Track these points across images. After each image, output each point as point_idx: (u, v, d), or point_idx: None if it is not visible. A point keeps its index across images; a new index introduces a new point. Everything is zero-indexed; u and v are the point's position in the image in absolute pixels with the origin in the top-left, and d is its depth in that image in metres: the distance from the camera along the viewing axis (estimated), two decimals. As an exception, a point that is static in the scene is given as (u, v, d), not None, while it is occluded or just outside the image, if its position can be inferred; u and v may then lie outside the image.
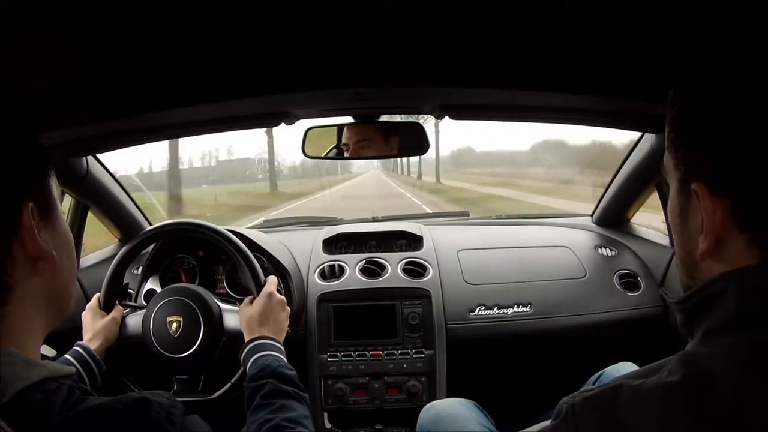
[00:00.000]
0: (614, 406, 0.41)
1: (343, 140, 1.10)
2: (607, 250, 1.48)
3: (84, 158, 1.19)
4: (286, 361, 0.87)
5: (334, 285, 1.34)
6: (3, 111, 0.45)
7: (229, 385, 1.01)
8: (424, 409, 1.06)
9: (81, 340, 1.00)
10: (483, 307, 1.33)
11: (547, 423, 0.47)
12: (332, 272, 1.38)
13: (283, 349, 0.90)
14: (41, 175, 0.47)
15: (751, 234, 0.42)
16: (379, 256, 1.42)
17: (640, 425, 0.39)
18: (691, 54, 0.60)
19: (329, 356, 1.28)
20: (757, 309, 0.40)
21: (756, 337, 0.39)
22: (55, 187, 0.49)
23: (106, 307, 1.06)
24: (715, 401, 0.38)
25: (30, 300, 0.44)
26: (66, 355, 0.95)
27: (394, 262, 1.39)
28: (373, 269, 1.38)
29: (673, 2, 0.54)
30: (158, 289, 1.27)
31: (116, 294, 1.09)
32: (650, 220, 1.58)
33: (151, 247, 1.30)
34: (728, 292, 0.41)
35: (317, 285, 1.35)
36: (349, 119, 1.04)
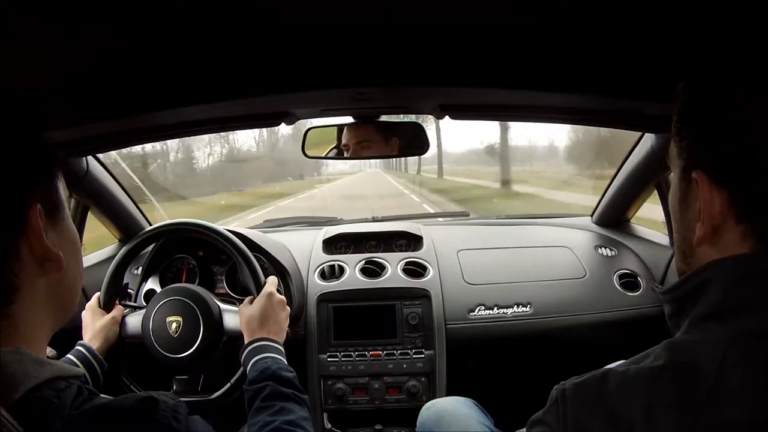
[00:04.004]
0: (603, 389, 0.43)
1: (344, 141, 1.10)
2: (607, 250, 1.48)
3: (84, 158, 1.19)
4: (286, 362, 0.87)
5: (334, 285, 1.34)
6: (10, 111, 0.44)
7: (228, 385, 1.01)
8: (425, 407, 1.06)
9: (80, 339, 1.00)
10: (483, 307, 1.33)
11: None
12: (332, 272, 1.38)
13: (283, 350, 0.91)
14: (48, 177, 0.47)
15: (746, 225, 0.43)
16: (379, 256, 1.42)
17: (626, 407, 0.41)
18: (698, 49, 0.60)
19: (329, 356, 1.28)
20: (742, 298, 0.41)
21: (739, 325, 0.40)
22: (62, 188, 0.49)
23: (106, 306, 1.06)
24: (698, 386, 0.39)
25: (37, 300, 0.45)
26: (68, 355, 0.95)
27: (394, 262, 1.39)
28: (373, 269, 1.38)
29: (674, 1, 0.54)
30: (158, 289, 1.27)
31: (116, 294, 1.09)
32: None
33: (151, 247, 1.30)
34: (714, 281, 0.43)
35: (317, 285, 1.35)
36: (349, 119, 1.04)
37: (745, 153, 0.42)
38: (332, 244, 1.51)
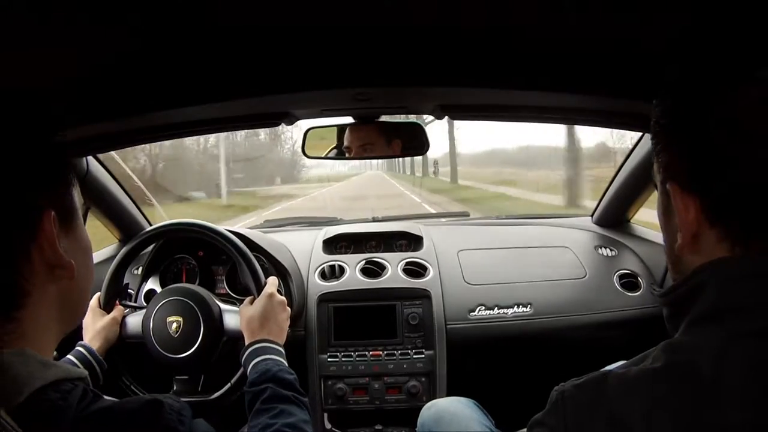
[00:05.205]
0: (602, 391, 0.43)
1: (346, 143, 1.10)
2: (607, 250, 1.48)
3: (84, 158, 1.19)
4: (286, 364, 0.87)
5: (334, 285, 1.34)
6: (28, 115, 0.44)
7: (228, 385, 1.01)
8: (425, 407, 1.06)
9: (80, 339, 1.00)
10: (483, 308, 1.33)
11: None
12: (332, 272, 1.38)
13: (283, 351, 0.90)
14: (64, 183, 0.47)
15: (719, 229, 0.44)
16: (379, 257, 1.42)
17: (625, 409, 0.41)
18: (683, 56, 0.61)
19: (329, 356, 1.28)
20: (737, 299, 0.42)
21: (735, 325, 0.41)
22: (77, 194, 0.49)
23: (106, 306, 1.07)
24: (696, 387, 0.39)
25: (47, 306, 0.44)
26: (69, 356, 0.95)
27: (394, 263, 1.39)
28: (373, 269, 1.38)
29: (671, 3, 0.54)
30: (158, 289, 1.27)
31: (116, 294, 1.09)
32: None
33: (151, 247, 1.30)
34: (710, 284, 0.44)
35: (317, 285, 1.35)
36: (349, 119, 1.04)
37: (708, 160, 0.44)
38: (332, 245, 1.51)
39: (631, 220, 1.58)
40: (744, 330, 0.40)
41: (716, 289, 0.43)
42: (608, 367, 1.06)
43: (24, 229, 0.42)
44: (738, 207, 0.43)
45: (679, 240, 0.47)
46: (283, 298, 1.00)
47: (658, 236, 1.46)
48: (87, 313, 1.04)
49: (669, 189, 0.47)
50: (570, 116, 0.95)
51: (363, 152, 1.10)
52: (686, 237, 0.46)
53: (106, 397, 0.44)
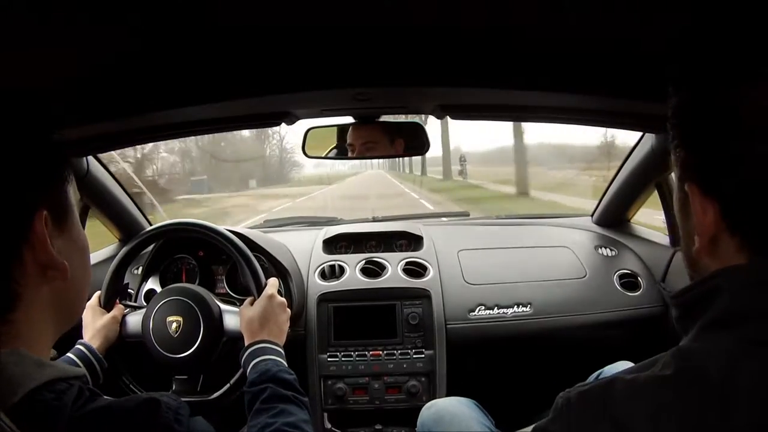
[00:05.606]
0: (608, 399, 0.42)
1: (349, 140, 1.11)
2: (607, 250, 1.48)
3: (84, 158, 1.19)
4: (286, 364, 0.87)
5: (334, 285, 1.34)
6: (18, 112, 0.43)
7: (228, 386, 1.01)
8: (425, 407, 1.06)
9: (80, 337, 1.00)
10: (483, 307, 1.33)
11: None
12: (332, 272, 1.38)
13: (283, 352, 0.90)
14: (57, 181, 0.46)
15: (741, 237, 0.43)
16: (379, 256, 1.42)
17: (632, 417, 0.40)
18: (685, 54, 0.60)
19: (329, 356, 1.28)
20: (751, 306, 0.41)
21: (749, 333, 0.40)
22: (73, 192, 0.48)
23: (106, 306, 1.06)
24: (706, 395, 0.38)
25: (40, 307, 0.44)
26: (69, 354, 0.95)
27: (394, 262, 1.39)
28: (373, 269, 1.38)
29: (671, 3, 0.54)
30: (158, 289, 1.27)
31: (117, 293, 1.09)
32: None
33: (151, 247, 1.30)
34: (725, 288, 0.42)
35: (317, 285, 1.35)
36: (349, 119, 1.04)
37: (731, 165, 0.42)
38: (332, 244, 1.51)
39: (631, 220, 1.58)
40: (758, 337, 0.39)
41: (731, 294, 0.41)
42: (608, 367, 1.06)
43: (15, 230, 0.41)
44: (751, 209, 0.42)
45: (696, 243, 0.45)
46: (284, 299, 1.00)
47: (658, 236, 1.46)
48: (87, 311, 1.04)
49: (687, 190, 0.45)
50: (570, 116, 0.95)
51: (366, 151, 1.10)
52: (703, 240, 0.44)
53: (103, 397, 0.43)
